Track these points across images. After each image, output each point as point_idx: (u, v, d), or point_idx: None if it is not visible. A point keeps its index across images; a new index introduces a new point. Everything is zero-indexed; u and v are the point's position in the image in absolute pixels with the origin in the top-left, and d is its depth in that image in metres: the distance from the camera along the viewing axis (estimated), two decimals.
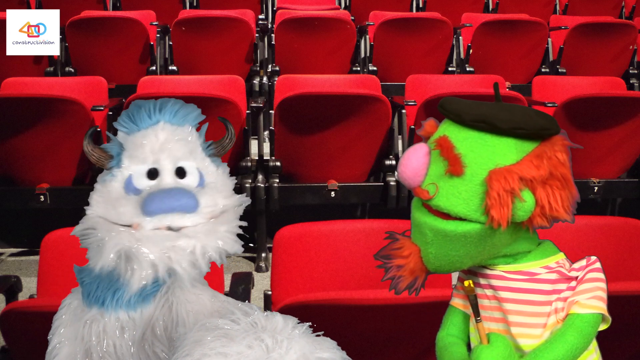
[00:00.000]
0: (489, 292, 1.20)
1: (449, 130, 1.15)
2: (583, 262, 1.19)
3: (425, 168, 1.15)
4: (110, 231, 1.13)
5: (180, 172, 1.19)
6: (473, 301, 1.19)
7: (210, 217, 1.17)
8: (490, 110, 1.12)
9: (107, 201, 1.17)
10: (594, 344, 1.21)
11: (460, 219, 1.11)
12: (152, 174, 1.18)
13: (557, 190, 1.12)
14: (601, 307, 1.14)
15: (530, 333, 1.17)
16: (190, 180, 1.19)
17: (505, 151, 1.10)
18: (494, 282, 1.19)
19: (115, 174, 1.19)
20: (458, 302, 1.29)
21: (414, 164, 1.15)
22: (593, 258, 1.20)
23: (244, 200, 1.23)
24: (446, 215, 1.12)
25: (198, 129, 1.25)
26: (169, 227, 1.14)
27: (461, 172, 1.11)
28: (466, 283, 1.19)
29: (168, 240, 1.12)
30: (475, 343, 1.24)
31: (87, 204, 1.21)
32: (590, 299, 1.14)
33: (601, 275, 1.17)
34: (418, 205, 1.17)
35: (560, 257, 1.20)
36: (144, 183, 1.17)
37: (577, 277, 1.17)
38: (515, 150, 1.11)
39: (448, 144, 1.13)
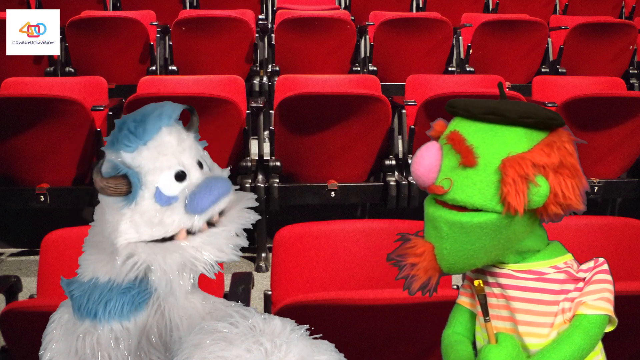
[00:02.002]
0: (497, 290, 1.20)
1: (459, 125, 1.18)
2: (591, 264, 1.20)
3: (439, 164, 1.16)
4: (153, 252, 1.13)
5: (199, 164, 1.20)
6: (482, 300, 1.19)
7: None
8: (498, 104, 1.15)
9: (144, 223, 1.15)
10: (600, 346, 1.21)
11: (477, 210, 1.12)
12: (180, 176, 1.17)
13: (568, 178, 1.13)
14: (608, 308, 1.15)
15: (537, 332, 1.17)
16: (207, 168, 1.21)
17: (516, 140, 1.12)
18: (503, 281, 1.19)
19: (139, 193, 1.15)
20: (465, 301, 1.30)
21: (426, 161, 1.16)
22: (601, 260, 1.20)
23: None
24: (462, 209, 1.13)
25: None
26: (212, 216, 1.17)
27: (474, 162, 1.12)
28: (476, 282, 1.19)
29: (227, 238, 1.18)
30: (481, 342, 1.24)
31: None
32: (598, 300, 1.15)
33: (609, 277, 1.18)
34: (431, 201, 1.18)
35: (569, 257, 1.21)
36: (177, 188, 1.16)
37: (584, 278, 1.17)
38: (526, 140, 1.13)
39: (459, 137, 1.15)
